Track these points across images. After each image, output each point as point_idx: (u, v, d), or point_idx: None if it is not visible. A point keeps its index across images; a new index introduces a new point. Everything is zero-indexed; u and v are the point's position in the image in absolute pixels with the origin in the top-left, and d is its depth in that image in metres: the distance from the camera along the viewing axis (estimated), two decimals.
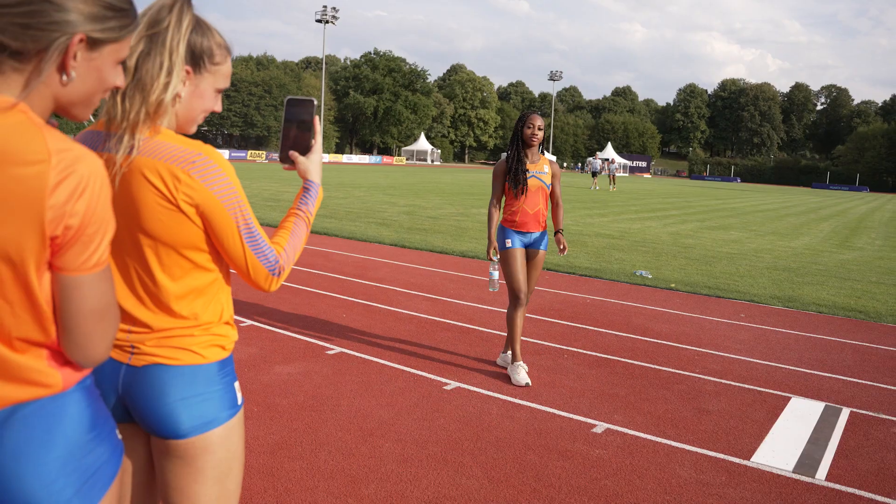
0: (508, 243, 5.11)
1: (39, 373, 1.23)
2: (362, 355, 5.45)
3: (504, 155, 5.28)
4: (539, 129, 5.09)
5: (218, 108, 1.72)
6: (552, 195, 5.35)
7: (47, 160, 1.12)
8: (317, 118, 1.85)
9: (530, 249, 5.20)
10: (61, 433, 1.24)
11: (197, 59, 1.62)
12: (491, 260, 5.11)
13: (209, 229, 1.62)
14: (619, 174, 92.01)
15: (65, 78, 1.19)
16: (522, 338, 6.16)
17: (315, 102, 1.83)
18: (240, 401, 1.75)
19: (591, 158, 41.20)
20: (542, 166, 5.17)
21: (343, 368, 5.12)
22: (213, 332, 1.69)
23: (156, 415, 1.63)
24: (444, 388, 4.84)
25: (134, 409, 1.66)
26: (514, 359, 5.13)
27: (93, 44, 1.21)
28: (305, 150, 1.84)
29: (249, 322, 6.23)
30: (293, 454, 3.67)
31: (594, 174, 41.26)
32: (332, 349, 5.57)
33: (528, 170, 5.10)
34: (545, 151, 5.40)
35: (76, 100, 1.24)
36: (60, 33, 1.15)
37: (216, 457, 1.67)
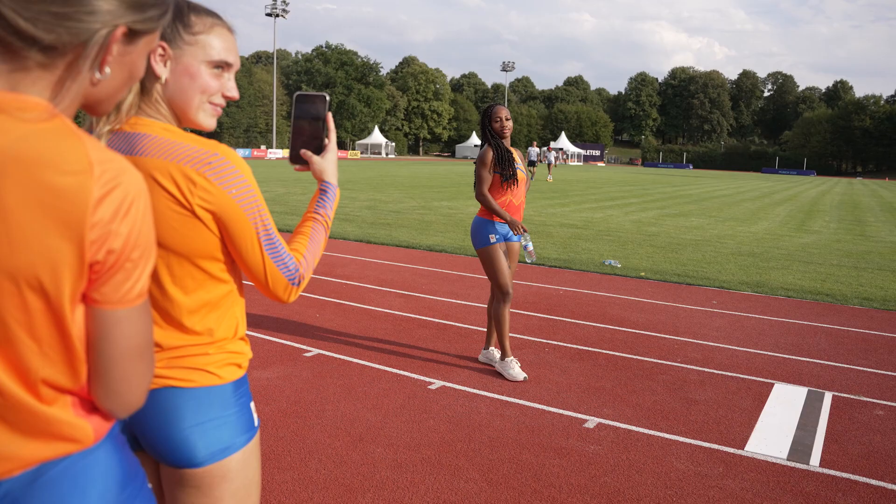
0: (492, 238, 4.97)
1: (69, 426, 1.04)
2: (341, 356, 5.32)
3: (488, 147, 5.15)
4: (507, 119, 4.99)
5: (231, 92, 1.53)
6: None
7: (89, 171, 0.95)
8: (329, 115, 1.71)
9: (510, 242, 5.13)
10: (95, 495, 1.06)
11: (169, 32, 1.45)
12: (523, 234, 5.03)
13: (226, 236, 1.47)
14: (570, 163, 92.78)
15: (98, 75, 1.02)
16: None
17: (327, 98, 1.69)
18: (256, 422, 1.61)
19: (530, 148, 39.58)
20: (517, 157, 5.14)
21: (323, 371, 4.98)
22: (228, 349, 1.55)
23: (169, 443, 1.48)
24: (430, 387, 4.74)
25: (143, 437, 1.51)
26: (504, 354, 5.06)
27: (132, 36, 1.05)
28: (319, 149, 1.70)
29: None
30: (283, 465, 3.53)
31: (531, 163, 39.62)
32: (310, 351, 5.42)
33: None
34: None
35: (103, 97, 1.08)
36: (101, 25, 0.97)
37: (234, 484, 1.53)
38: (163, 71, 1.44)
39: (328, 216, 1.71)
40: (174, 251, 1.45)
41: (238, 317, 1.58)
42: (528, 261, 5.21)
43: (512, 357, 5.04)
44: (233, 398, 1.55)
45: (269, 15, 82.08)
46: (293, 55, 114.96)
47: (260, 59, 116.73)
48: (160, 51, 1.43)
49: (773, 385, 5.07)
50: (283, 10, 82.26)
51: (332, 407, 4.32)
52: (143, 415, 1.49)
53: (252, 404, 1.62)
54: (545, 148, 40.77)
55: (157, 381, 1.48)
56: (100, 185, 0.96)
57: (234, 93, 1.55)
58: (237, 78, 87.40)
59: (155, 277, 1.47)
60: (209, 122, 1.53)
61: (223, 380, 1.53)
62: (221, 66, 1.52)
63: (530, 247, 5.18)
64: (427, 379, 4.89)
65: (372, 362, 5.21)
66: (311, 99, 1.69)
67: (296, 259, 1.57)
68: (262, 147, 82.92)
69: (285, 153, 77.06)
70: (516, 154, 5.10)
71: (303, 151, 1.70)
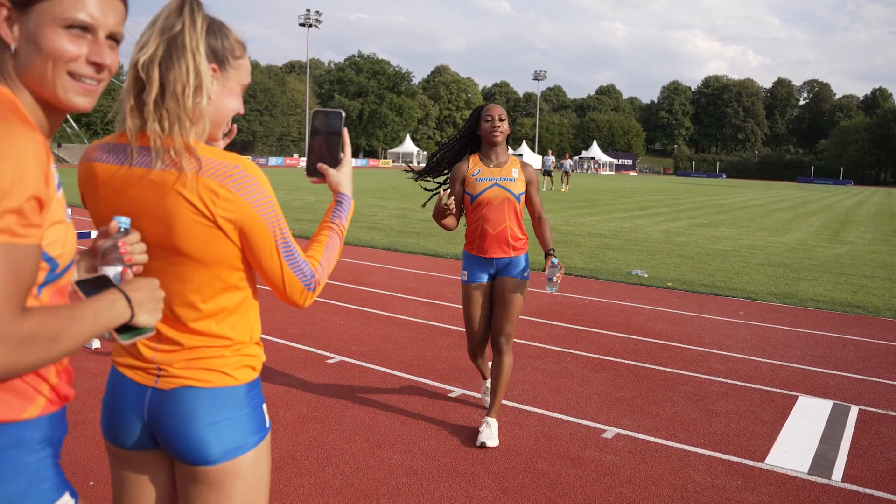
0: (464, 276, 4.13)
1: None
2: (363, 363, 5.36)
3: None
4: (500, 119, 4.01)
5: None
6: (530, 207, 4.20)
7: None
8: (345, 130, 1.77)
9: (499, 279, 4.07)
10: None
11: (220, 57, 1.54)
12: (446, 204, 3.69)
13: (245, 245, 1.53)
14: (601, 172, 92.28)
15: (12, 49, 1.10)
16: (521, 341, 6.08)
17: (343, 114, 1.76)
18: (268, 423, 1.66)
19: (545, 157, 37.98)
20: (509, 171, 4.03)
21: (345, 378, 5.03)
22: (244, 352, 1.61)
23: (184, 440, 1.54)
24: (449, 395, 4.76)
25: (160, 435, 1.57)
26: (483, 376, 4.50)
27: (20, 7, 1.12)
28: (335, 162, 1.77)
29: None
30: (300, 469, 3.57)
31: (546, 173, 36.62)
32: (332, 358, 5.47)
33: (488, 176, 4.02)
34: (521, 153, 4.76)
35: (36, 78, 1.16)
36: None
37: (245, 483, 1.59)
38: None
39: (343, 225, 1.76)
40: (196, 260, 1.51)
41: (253, 322, 1.64)
42: (548, 290, 4.02)
43: (490, 417, 4.05)
44: (246, 399, 1.60)
45: (302, 25, 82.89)
46: (326, 64, 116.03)
47: (293, 68, 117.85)
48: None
49: (797, 398, 5.01)
50: (316, 21, 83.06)
51: (351, 413, 4.35)
52: (161, 413, 1.55)
53: (264, 406, 1.67)
54: (564, 157, 37.99)
55: (175, 381, 1.54)
56: None
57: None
58: (271, 87, 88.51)
59: (175, 286, 1.53)
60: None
61: (238, 381, 1.58)
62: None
63: (556, 277, 3.97)
64: (447, 387, 4.91)
65: (393, 370, 5.24)
66: (328, 115, 1.76)
67: (312, 265, 1.63)
68: (295, 155, 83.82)
69: None
70: (514, 164, 4.09)
71: (319, 165, 1.76)
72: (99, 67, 1.28)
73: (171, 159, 1.45)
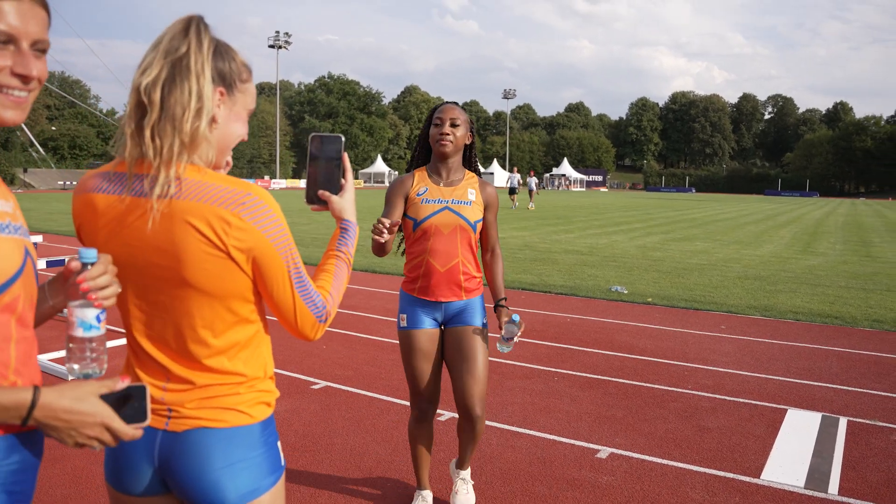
0: (403, 320, 3.23)
1: None
2: (349, 388, 5.27)
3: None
4: (453, 125, 3.14)
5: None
6: (484, 238, 3.35)
7: None
8: (346, 155, 1.71)
9: (453, 329, 3.22)
10: None
11: (228, 80, 1.48)
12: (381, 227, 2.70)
13: (257, 275, 1.46)
14: (573, 189, 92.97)
15: None
16: (507, 361, 6.03)
17: (343, 139, 1.70)
18: (283, 462, 1.59)
19: (510, 175, 37.08)
20: (464, 191, 3.19)
21: (331, 403, 4.94)
22: (258, 388, 1.53)
23: (199, 485, 1.46)
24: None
25: (172, 480, 1.49)
26: (418, 483, 3.45)
27: None
28: (336, 189, 1.70)
29: None
30: (294, 500, 3.48)
31: (512, 191, 35.59)
32: (317, 383, 5.38)
33: (437, 197, 3.16)
34: (493, 171, 3.57)
35: None
36: None
37: None
38: None
39: (350, 253, 1.70)
40: (206, 293, 1.44)
41: (265, 356, 1.57)
42: (500, 349, 3.21)
43: (425, 490, 3.43)
44: (262, 438, 1.53)
45: (271, 47, 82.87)
46: (296, 86, 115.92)
47: (263, 90, 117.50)
48: (218, 96, 1.39)
49: (786, 411, 5.01)
50: (286, 42, 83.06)
51: (340, 440, 4.27)
52: (174, 457, 1.47)
53: (279, 444, 1.60)
54: (518, 176, 36.68)
55: (187, 421, 1.47)
56: None
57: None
58: None
59: (185, 321, 1.46)
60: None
61: (254, 419, 1.51)
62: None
63: (516, 337, 3.19)
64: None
65: (380, 394, 5.16)
66: (326, 140, 1.70)
67: (322, 296, 1.57)
68: (266, 177, 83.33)
69: (289, 183, 77.46)
70: (471, 182, 3.25)
71: (321, 192, 1.69)
72: (25, 79, 1.23)
73: (178, 187, 1.39)
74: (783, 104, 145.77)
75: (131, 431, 1.26)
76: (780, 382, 5.71)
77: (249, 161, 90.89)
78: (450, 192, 3.18)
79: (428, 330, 3.21)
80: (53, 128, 75.10)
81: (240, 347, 1.50)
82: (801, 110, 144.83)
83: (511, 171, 47.10)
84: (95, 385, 1.24)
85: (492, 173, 76.61)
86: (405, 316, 3.22)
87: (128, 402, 1.26)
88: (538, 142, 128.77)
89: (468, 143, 3.29)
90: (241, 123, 1.54)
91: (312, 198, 1.71)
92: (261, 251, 1.43)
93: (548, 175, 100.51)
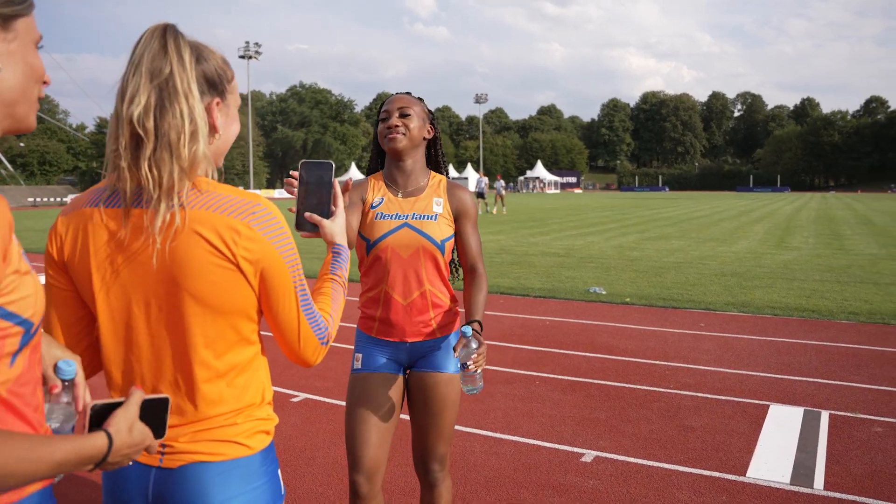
0: (357, 361, 2.62)
1: None
2: (330, 400, 5.20)
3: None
4: (403, 114, 2.55)
5: (239, 127, 1.54)
6: (462, 253, 2.69)
7: None
8: (336, 181, 1.68)
9: (418, 375, 2.61)
10: None
11: (219, 87, 1.43)
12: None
13: (263, 291, 1.40)
14: (547, 191, 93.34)
15: None
16: (488, 367, 5.99)
17: (333, 165, 1.68)
18: (283, 490, 1.52)
19: (478, 178, 36.72)
20: (428, 201, 2.58)
21: (311, 416, 4.86)
22: (256, 416, 1.46)
23: None
24: None
25: None
26: None
27: (4, 21, 1.04)
28: (325, 214, 1.67)
29: None
30: None
31: (479, 195, 34.59)
32: (297, 396, 5.30)
33: (394, 212, 2.55)
34: (466, 176, 2.57)
35: (12, 98, 1.06)
36: None
37: None
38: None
39: (344, 277, 1.66)
40: (211, 307, 1.36)
41: (264, 380, 1.50)
42: (463, 388, 2.42)
43: None
44: (261, 468, 1.45)
45: (242, 57, 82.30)
46: (268, 96, 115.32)
47: None
48: (214, 106, 1.38)
49: (768, 407, 5.01)
50: (256, 52, 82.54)
51: (322, 453, 4.19)
52: (168, 494, 1.40)
53: (279, 472, 1.53)
54: (496, 179, 35.95)
55: (182, 456, 1.39)
56: None
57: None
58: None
59: (187, 337, 1.38)
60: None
61: (252, 450, 1.44)
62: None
63: (471, 362, 2.33)
64: None
65: None
66: (317, 166, 1.67)
67: (324, 318, 1.51)
68: (240, 188, 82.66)
69: (264, 193, 76.90)
70: (438, 189, 2.62)
71: (308, 215, 1.66)
72: (46, 83, 1.22)
73: (174, 212, 1.32)
74: (752, 101, 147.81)
75: (157, 445, 1.23)
76: (762, 378, 5.72)
77: (223, 172, 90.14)
78: (410, 205, 2.56)
79: (387, 375, 2.57)
80: (22, 144, 73.98)
81: (239, 370, 1.43)
82: (769, 107, 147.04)
83: (488, 176, 46.72)
84: (133, 409, 1.17)
85: (466, 178, 76.73)
86: (360, 356, 2.60)
87: (150, 414, 1.21)
88: (511, 145, 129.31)
89: (428, 137, 2.66)
90: (236, 123, 1.51)
91: (303, 224, 1.67)
92: (269, 263, 1.38)
93: (522, 178, 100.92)
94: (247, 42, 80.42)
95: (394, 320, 2.54)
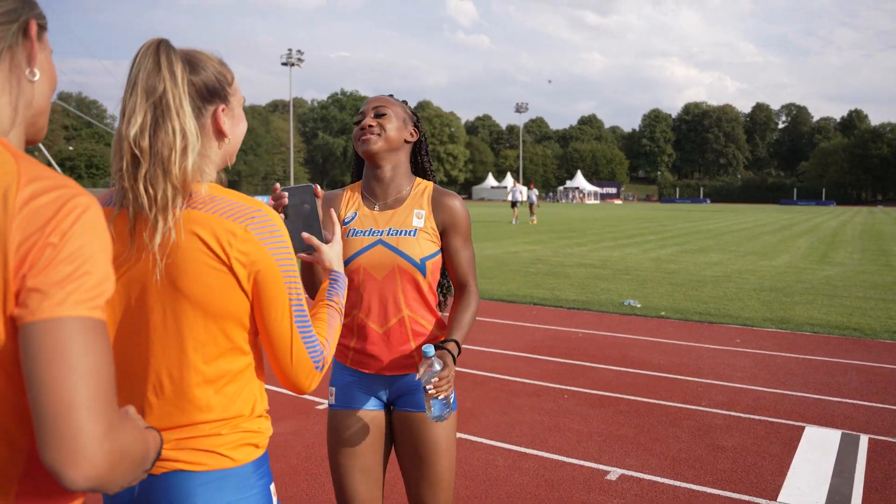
0: (332, 395, 2.33)
1: None
2: None
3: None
4: (379, 114, 2.28)
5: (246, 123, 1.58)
6: (451, 270, 2.37)
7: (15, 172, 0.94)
8: (319, 202, 1.67)
9: (402, 413, 2.30)
10: None
11: (221, 93, 1.45)
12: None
13: (256, 298, 1.38)
14: (587, 202, 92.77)
15: (30, 76, 1.06)
16: (515, 378, 5.91)
17: (313, 187, 1.67)
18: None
19: (511, 187, 35.31)
20: (407, 213, 2.29)
21: None
22: (243, 427, 1.42)
23: None
24: None
25: None
26: None
27: (41, 31, 1.09)
28: (319, 237, 1.66)
29: None
30: None
31: (514, 204, 34.24)
32: (322, 403, 5.28)
33: (368, 227, 2.28)
34: (506, 185, 2.26)
35: (41, 108, 1.10)
36: (17, 19, 1.03)
37: None
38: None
39: (341, 304, 1.63)
40: (203, 308, 1.35)
41: (257, 394, 1.47)
42: (429, 415, 2.10)
43: None
44: (251, 480, 1.42)
45: (284, 64, 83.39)
46: (309, 102, 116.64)
47: (277, 107, 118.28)
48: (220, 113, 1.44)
49: (803, 428, 4.85)
50: (298, 60, 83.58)
51: None
52: (152, 500, 1.38)
53: (273, 486, 1.49)
54: (521, 188, 35.45)
55: (164, 464, 1.37)
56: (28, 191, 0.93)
57: None
58: (255, 126, 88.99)
59: (177, 339, 1.36)
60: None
61: (236, 462, 1.40)
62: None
63: (430, 386, 2.03)
64: None
65: None
66: (297, 191, 1.66)
67: (320, 342, 1.48)
68: (247, 195, 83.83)
69: None
70: (420, 198, 2.33)
71: (307, 236, 1.66)
72: None
73: (170, 228, 1.32)
74: (797, 113, 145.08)
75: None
76: (798, 398, 5.55)
77: (264, 178, 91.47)
78: (386, 219, 2.27)
79: (368, 412, 2.28)
80: (71, 147, 76.00)
81: (229, 379, 1.40)
82: (815, 119, 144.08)
83: (526, 185, 46.15)
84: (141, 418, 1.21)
85: (505, 187, 76.38)
86: (334, 390, 2.30)
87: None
88: (551, 155, 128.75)
89: (411, 140, 2.37)
90: (242, 120, 1.53)
91: (297, 247, 1.65)
92: (264, 269, 1.36)
93: (561, 188, 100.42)
94: (289, 49, 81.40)
95: (370, 351, 2.24)
